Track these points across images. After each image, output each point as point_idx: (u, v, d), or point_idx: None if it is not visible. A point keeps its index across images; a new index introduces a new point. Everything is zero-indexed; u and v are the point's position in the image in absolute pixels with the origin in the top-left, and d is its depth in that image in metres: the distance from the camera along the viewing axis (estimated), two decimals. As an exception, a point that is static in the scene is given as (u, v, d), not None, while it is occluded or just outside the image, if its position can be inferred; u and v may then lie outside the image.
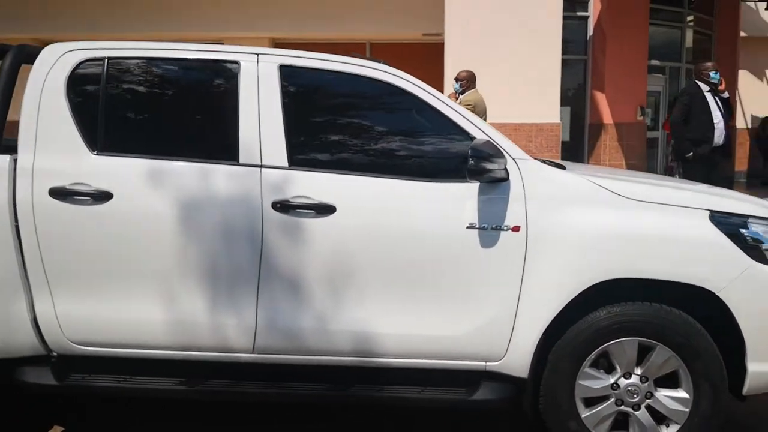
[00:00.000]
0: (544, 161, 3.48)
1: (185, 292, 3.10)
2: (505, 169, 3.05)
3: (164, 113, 3.29)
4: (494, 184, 3.08)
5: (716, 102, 7.74)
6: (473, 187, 3.09)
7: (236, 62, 3.21)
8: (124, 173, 3.10)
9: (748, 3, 16.44)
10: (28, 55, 3.33)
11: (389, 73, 3.27)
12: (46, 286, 3.10)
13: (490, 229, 3.07)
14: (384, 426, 3.66)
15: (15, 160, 3.11)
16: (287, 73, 3.22)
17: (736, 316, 3.06)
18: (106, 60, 3.20)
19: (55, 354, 3.19)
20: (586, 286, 3.04)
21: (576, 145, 12.88)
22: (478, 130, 3.17)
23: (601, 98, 13.27)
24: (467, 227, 3.07)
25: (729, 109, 7.85)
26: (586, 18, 13.43)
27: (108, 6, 11.25)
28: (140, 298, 3.10)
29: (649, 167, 13.79)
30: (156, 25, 11.12)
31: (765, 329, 3.08)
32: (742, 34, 16.81)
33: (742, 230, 3.14)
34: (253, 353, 3.14)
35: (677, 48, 14.70)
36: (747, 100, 18.00)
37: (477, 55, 8.46)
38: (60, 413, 3.75)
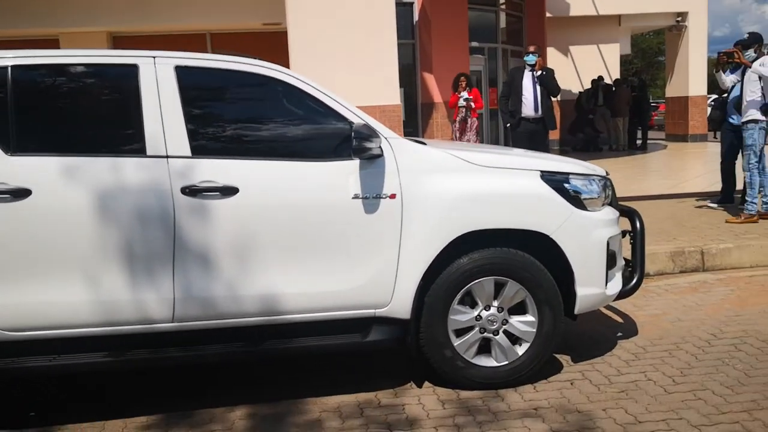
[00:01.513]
0: (409, 139, 4.13)
1: (107, 274, 3.44)
2: (380, 147, 3.66)
3: (73, 114, 3.59)
4: (372, 160, 3.67)
5: (533, 80, 8.88)
6: (355, 163, 3.67)
7: (135, 65, 3.57)
8: (41, 171, 3.38)
9: (552, -14, 18.13)
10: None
11: (274, 69, 3.76)
12: (-29, 280, 3.33)
13: (371, 198, 3.66)
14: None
15: (-71, 165, 3.29)
16: (182, 72, 3.62)
17: (565, 252, 3.88)
18: (9, 68, 3.45)
19: (-18, 342, 3.42)
20: (451, 239, 3.72)
21: (411, 123, 13.83)
22: (354, 115, 3.75)
23: (430, 79, 14.27)
24: (353, 197, 3.65)
25: (548, 86, 9.00)
26: (411, 4, 14.38)
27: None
28: (64, 282, 3.41)
29: (481, 139, 15.04)
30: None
31: (585, 261, 3.92)
32: (548, 14, 18.56)
33: (566, 185, 3.96)
34: (173, 322, 3.54)
35: (493, 30, 16.05)
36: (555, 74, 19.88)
37: (319, 43, 9.02)
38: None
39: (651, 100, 22.06)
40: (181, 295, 3.52)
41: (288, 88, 3.73)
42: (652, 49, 50.99)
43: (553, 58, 19.64)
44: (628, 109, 18.17)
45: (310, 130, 3.77)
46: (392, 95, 9.27)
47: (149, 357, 3.59)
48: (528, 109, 8.93)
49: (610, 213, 4.17)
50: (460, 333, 3.86)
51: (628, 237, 4.46)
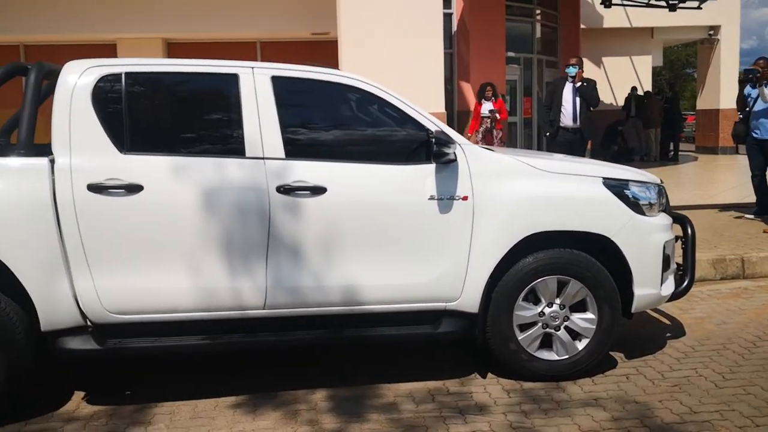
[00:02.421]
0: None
1: (206, 264, 3.78)
2: (455, 152, 3.97)
3: (180, 117, 3.95)
4: (448, 164, 3.98)
5: (573, 91, 9.16)
6: (431, 167, 3.98)
7: (236, 75, 3.92)
8: (152, 168, 3.73)
9: (586, -2, 18.38)
10: (48, 71, 3.87)
11: (359, 80, 4.09)
12: (87, 267, 3.68)
13: (446, 199, 3.98)
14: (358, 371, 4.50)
15: (52, 161, 3.65)
16: (278, 82, 3.96)
17: (625, 253, 4.16)
18: (123, 74, 3.81)
19: (92, 323, 3.77)
20: (518, 239, 4.02)
21: (448, 131, 14.09)
22: (431, 122, 4.07)
23: (467, 88, 14.53)
24: (429, 198, 3.96)
25: (587, 97, 9.27)
26: (450, 15, 14.68)
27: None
28: (169, 271, 3.75)
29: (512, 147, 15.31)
30: (41, 28, 11.14)
31: (643, 262, 4.20)
32: (582, 26, 18.80)
33: (626, 191, 4.25)
34: (264, 309, 3.88)
35: (529, 40, 16.32)
36: (588, 86, 20.10)
37: (370, 53, 9.37)
38: (79, 382, 4.29)
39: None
40: (272, 284, 3.85)
41: (371, 97, 4.06)
42: (680, 60, 50.88)
43: (587, 69, 19.76)
44: (660, 120, 18.34)
45: (392, 136, 4.10)
46: (438, 103, 9.60)
47: (243, 340, 3.92)
48: (567, 119, 9.22)
49: (665, 219, 4.44)
50: (524, 328, 4.15)
51: (679, 242, 4.73)
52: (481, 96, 11.74)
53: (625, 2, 17.75)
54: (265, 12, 11.41)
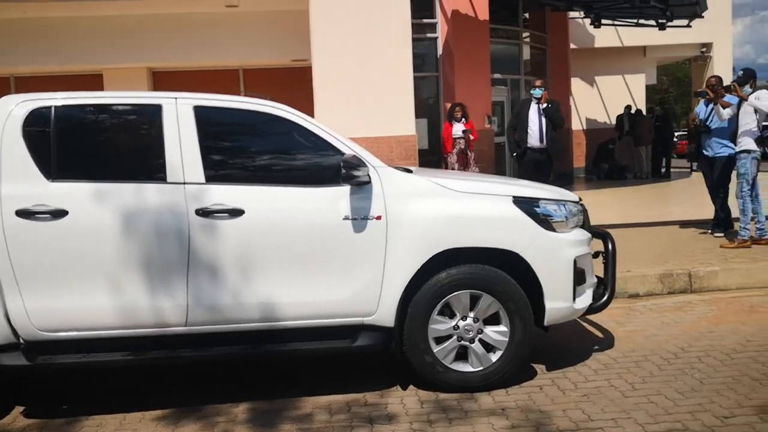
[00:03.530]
0: (396, 167, 4.67)
1: (130, 284, 4.01)
2: (368, 175, 4.19)
3: (105, 146, 4.21)
4: (361, 186, 4.20)
5: (538, 112, 9.34)
6: (346, 189, 4.20)
7: (159, 105, 4.18)
8: (76, 194, 3.98)
9: (576, 19, 18.61)
10: (-15, 105, 4.15)
11: (277, 108, 4.34)
12: (17, 287, 3.93)
13: (360, 219, 4.19)
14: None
15: (-18, 190, 3.92)
16: (200, 111, 4.21)
17: (534, 269, 4.34)
18: (53, 108, 4.08)
19: (23, 341, 4.01)
20: (430, 256, 4.22)
21: (434, 152, 14.32)
22: (346, 146, 4.29)
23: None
24: (343, 219, 4.18)
25: (552, 118, 9.45)
26: (435, 39, 14.97)
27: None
28: (93, 290, 3.99)
29: (498, 168, 15.50)
30: (40, 60, 11.58)
31: (553, 277, 4.38)
32: (573, 46, 19.04)
33: (536, 209, 4.44)
34: (186, 326, 4.10)
35: (516, 62, 16.56)
36: (580, 105, 20.32)
37: (341, 79, 9.66)
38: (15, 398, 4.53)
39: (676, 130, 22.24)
40: (193, 303, 4.07)
41: (289, 123, 4.30)
42: (688, 77, 50.87)
43: (579, 88, 20.09)
44: (650, 138, 18.48)
45: (308, 160, 4.33)
46: (408, 127, 9.84)
47: (165, 356, 4.14)
48: (533, 139, 9.36)
49: (579, 235, 4.62)
50: (439, 340, 4.33)
51: (600, 257, 4.91)
52: (450, 117, 11.92)
53: (616, 22, 17.98)
54: (247, 41, 11.78)
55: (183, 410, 4.21)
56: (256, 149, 4.38)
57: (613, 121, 19.74)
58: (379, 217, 4.21)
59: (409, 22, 9.93)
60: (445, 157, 11.67)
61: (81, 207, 3.98)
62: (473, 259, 4.34)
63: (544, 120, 9.28)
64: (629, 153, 18.93)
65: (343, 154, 4.23)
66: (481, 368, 4.36)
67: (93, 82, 12.10)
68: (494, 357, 4.37)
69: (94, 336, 4.06)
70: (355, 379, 4.63)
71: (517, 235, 4.35)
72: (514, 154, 9.42)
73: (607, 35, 19.03)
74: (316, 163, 4.30)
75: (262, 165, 4.31)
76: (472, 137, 11.74)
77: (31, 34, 11.50)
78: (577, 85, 19.92)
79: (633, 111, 19.37)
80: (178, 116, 4.17)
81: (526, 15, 17.16)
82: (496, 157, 15.25)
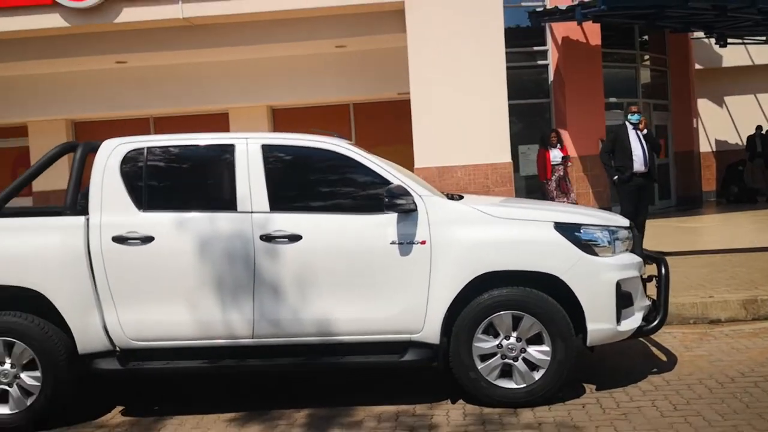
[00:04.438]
0: (448, 195, 5.03)
1: (205, 300, 4.61)
2: (414, 203, 4.58)
3: (187, 181, 4.87)
4: (407, 213, 4.60)
5: (638, 137, 9.30)
6: (394, 216, 4.61)
7: (233, 145, 4.79)
8: (161, 223, 4.65)
9: (702, 39, 18.05)
10: (92, 148, 4.93)
11: (335, 144, 4.83)
12: (112, 302, 4.63)
13: (406, 243, 4.58)
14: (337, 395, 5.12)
15: (87, 219, 4.66)
16: (267, 149, 4.78)
17: (575, 292, 4.54)
18: (145, 149, 4.79)
19: (118, 349, 4.70)
20: (472, 278, 4.53)
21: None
22: (395, 177, 4.71)
23: (565, 135, 14.75)
24: (391, 243, 4.58)
25: (652, 144, 9.39)
26: (546, 66, 15.10)
27: (120, 85, 13.06)
28: (176, 306, 4.62)
29: (615, 192, 15.27)
30: (166, 102, 12.91)
31: (594, 300, 4.55)
32: (698, 66, 18.45)
33: (576, 234, 4.64)
34: (252, 338, 4.64)
35: (633, 85, 16.31)
36: (709, 126, 19.56)
37: (438, 109, 10.11)
38: (119, 398, 5.24)
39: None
40: (259, 317, 4.61)
41: (343, 158, 4.78)
42: None
43: (707, 109, 19.37)
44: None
45: (360, 190, 4.78)
46: (503, 154, 10.09)
47: (235, 365, 4.70)
48: (638, 164, 9.24)
49: (626, 259, 4.77)
50: (484, 358, 4.62)
51: (654, 281, 5.01)
52: (545, 143, 11.90)
53: (744, 40, 17.31)
54: (355, 78, 12.56)
55: (251, 413, 4.74)
56: (314, 181, 4.88)
57: (744, 143, 18.85)
58: (423, 242, 4.57)
59: (503, 53, 10.23)
60: (543, 183, 11.71)
61: (165, 233, 4.64)
62: (516, 281, 4.60)
63: (646, 145, 9.21)
64: (761, 175, 17.99)
65: (390, 184, 4.65)
66: (525, 385, 4.59)
67: (220, 120, 13.26)
68: (537, 375, 4.59)
69: (176, 345, 4.68)
70: (412, 392, 4.98)
71: (557, 259, 4.57)
72: (615, 178, 9.36)
73: (736, 54, 18.30)
74: (367, 193, 4.74)
75: (319, 195, 4.81)
76: (569, 163, 11.74)
77: (167, 79, 12.85)
78: (704, 106, 19.23)
79: (765, 131, 18.41)
80: (248, 154, 4.75)
81: (645, 37, 16.88)
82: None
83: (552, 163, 11.63)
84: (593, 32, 14.73)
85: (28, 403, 4.61)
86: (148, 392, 5.42)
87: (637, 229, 9.18)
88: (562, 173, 11.63)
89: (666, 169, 17.46)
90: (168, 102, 12.91)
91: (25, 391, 4.62)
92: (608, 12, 12.72)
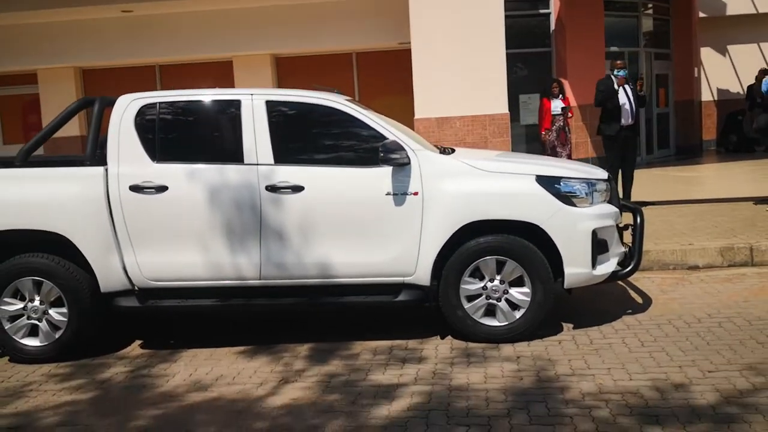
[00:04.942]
0: (442, 149, 5.41)
1: (215, 244, 5.04)
2: (408, 157, 4.96)
3: (196, 134, 5.25)
4: (401, 166, 4.98)
5: (625, 92, 9.54)
6: (389, 169, 4.99)
7: (239, 100, 5.15)
8: (174, 173, 5.04)
9: (705, -14, 18.05)
10: (109, 102, 5.29)
11: (335, 100, 5.19)
12: (131, 245, 5.06)
13: (399, 194, 4.98)
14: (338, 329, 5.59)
15: (106, 169, 5.06)
16: (271, 105, 5.14)
17: (554, 239, 4.96)
18: (158, 104, 5.15)
19: (137, 288, 5.16)
20: (459, 226, 4.94)
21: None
22: (390, 133, 5.07)
23: (566, 84, 14.97)
24: (386, 194, 4.98)
25: (638, 98, 9.67)
26: (548, 14, 15.22)
27: (126, 34, 13.31)
28: (188, 249, 5.05)
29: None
30: (171, 51, 13.16)
31: (571, 246, 4.97)
32: (702, 14, 18.47)
33: (557, 186, 5.03)
34: (259, 280, 5.08)
35: (635, 34, 16.42)
36: (711, 75, 19.67)
37: (438, 60, 10.37)
38: (137, 333, 5.73)
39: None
40: (265, 260, 5.04)
41: (342, 114, 5.14)
42: None
43: (709, 58, 19.45)
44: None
45: (358, 145, 5.14)
46: (500, 105, 10.38)
47: (243, 304, 5.16)
48: (625, 118, 9.56)
49: (603, 209, 5.16)
50: (470, 299, 5.06)
51: (629, 229, 5.41)
52: (547, 93, 11.94)
53: (748, -12, 17.33)
54: (358, 27, 12.79)
55: (258, 347, 5.21)
56: (315, 135, 5.24)
57: (745, 92, 18.98)
58: (416, 193, 4.97)
59: (501, 3, 10.43)
60: (543, 133, 11.85)
61: (178, 183, 5.04)
62: (500, 230, 5.01)
63: (633, 99, 9.49)
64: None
65: (386, 139, 5.02)
66: (507, 323, 5.04)
67: (224, 68, 13.52)
68: (518, 314, 5.04)
69: (189, 285, 5.14)
70: (404, 329, 5.44)
71: (538, 209, 4.96)
72: (607, 133, 9.61)
73: (740, 2, 18.32)
74: (364, 148, 5.11)
75: (320, 148, 5.18)
76: (570, 114, 11.87)
77: (172, 28, 13.06)
78: (707, 54, 19.32)
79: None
80: (254, 109, 5.11)
81: (648, -16, 16.91)
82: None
83: (552, 113, 11.66)
84: (596, -21, 14.83)
85: (56, 337, 5.10)
86: (164, 329, 5.90)
87: (625, 179, 9.59)
88: (562, 123, 11.72)
89: (666, 118, 17.70)
90: (173, 50, 13.16)
91: (54, 326, 5.10)
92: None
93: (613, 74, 9.64)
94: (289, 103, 5.23)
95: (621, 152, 9.59)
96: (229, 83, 13.18)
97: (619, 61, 9.82)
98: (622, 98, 9.53)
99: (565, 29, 14.91)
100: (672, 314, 5.48)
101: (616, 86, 9.53)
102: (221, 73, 13.37)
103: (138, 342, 5.52)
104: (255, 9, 12.84)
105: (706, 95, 19.61)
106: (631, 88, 9.60)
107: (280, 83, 13.93)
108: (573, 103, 14.34)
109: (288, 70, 13.81)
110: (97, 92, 13.93)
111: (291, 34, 12.96)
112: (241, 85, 13.47)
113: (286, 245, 5.04)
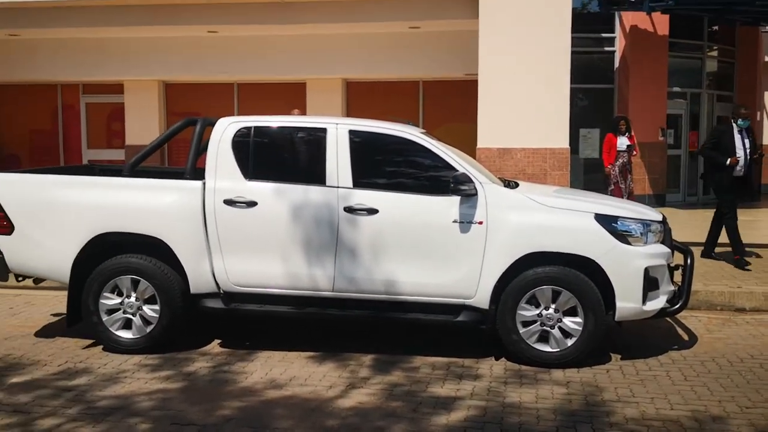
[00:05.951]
0: (506, 182, 5.86)
1: (295, 256, 5.55)
2: (475, 188, 5.41)
3: (285, 157, 5.80)
4: (468, 197, 5.43)
5: (742, 141, 8.85)
6: (457, 199, 5.45)
7: (325, 128, 5.68)
8: (264, 191, 5.59)
9: (769, 31, 18.09)
10: (209, 123, 5.89)
11: (411, 132, 5.68)
12: (220, 253, 5.62)
13: (465, 222, 5.43)
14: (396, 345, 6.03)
15: (204, 184, 5.64)
16: (353, 134, 5.66)
17: (608, 274, 5.34)
18: (253, 127, 5.73)
19: (223, 291, 5.71)
20: (519, 256, 5.35)
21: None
22: (460, 165, 5.53)
23: (627, 121, 15.22)
24: (453, 221, 5.44)
25: (753, 144, 9.00)
26: (612, 53, 15.55)
27: (210, 53, 14.09)
28: (271, 259, 5.58)
29: (670, 180, 15.74)
30: (250, 70, 13.93)
31: (624, 282, 5.33)
32: (766, 59, 18.52)
33: (614, 224, 5.41)
34: (332, 292, 5.58)
35: (698, 75, 16.59)
36: (774, 119, 19.65)
37: (503, 93, 10.82)
38: (217, 333, 6.28)
39: None
40: (339, 274, 5.54)
41: (417, 146, 5.63)
42: None
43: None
44: None
45: (429, 174, 5.61)
46: (562, 140, 10.73)
47: (317, 312, 5.66)
48: (738, 168, 8.83)
49: (656, 248, 5.52)
50: (526, 324, 5.46)
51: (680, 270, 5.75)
52: (614, 129, 11.95)
53: (817, 34, 17.34)
54: (426, 57, 13.37)
55: (327, 354, 5.70)
56: (391, 163, 5.74)
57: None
58: (480, 222, 5.41)
59: (569, 41, 10.80)
60: (608, 168, 11.74)
61: (266, 200, 5.59)
62: (558, 262, 5.41)
63: (748, 150, 8.84)
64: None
65: (456, 171, 5.48)
66: (558, 349, 5.42)
67: (298, 89, 14.23)
68: (570, 342, 5.41)
69: (269, 292, 5.67)
70: (462, 348, 5.86)
71: (595, 245, 5.35)
72: (727, 163, 8.74)
73: (808, 47, 18.31)
74: (435, 177, 5.58)
75: (395, 176, 5.66)
76: (635, 152, 11.82)
77: (253, 49, 13.85)
78: (769, 98, 19.31)
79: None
80: (338, 137, 5.64)
81: (715, 28, 17.06)
82: (671, 169, 15.62)
83: (618, 149, 11.55)
84: (662, 22, 15.10)
85: (147, 331, 5.68)
86: (239, 330, 6.44)
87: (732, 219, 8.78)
88: (625, 160, 11.61)
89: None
90: (252, 70, 13.93)
91: (146, 321, 5.69)
92: (676, 6, 13.12)
93: (736, 123, 8.91)
94: (369, 133, 5.74)
95: (733, 190, 8.88)
96: (302, 104, 13.83)
97: (743, 110, 9.04)
98: (739, 146, 8.81)
99: (628, 68, 15.22)
100: (716, 353, 5.78)
101: (736, 135, 8.85)
102: (295, 94, 14.06)
103: (217, 341, 6.07)
104: (329, 36, 13.53)
105: (766, 139, 19.56)
106: (749, 140, 8.96)
107: (350, 106, 14.56)
108: (634, 140, 14.61)
109: (357, 94, 14.45)
110: (179, 105, 14.88)
111: (362, 61, 13.62)
112: (313, 105, 14.15)
113: (359, 262, 5.52)
